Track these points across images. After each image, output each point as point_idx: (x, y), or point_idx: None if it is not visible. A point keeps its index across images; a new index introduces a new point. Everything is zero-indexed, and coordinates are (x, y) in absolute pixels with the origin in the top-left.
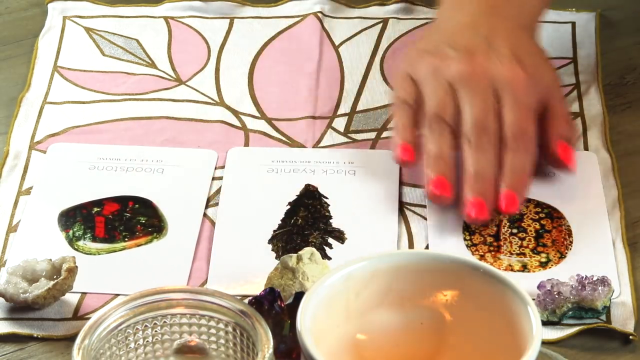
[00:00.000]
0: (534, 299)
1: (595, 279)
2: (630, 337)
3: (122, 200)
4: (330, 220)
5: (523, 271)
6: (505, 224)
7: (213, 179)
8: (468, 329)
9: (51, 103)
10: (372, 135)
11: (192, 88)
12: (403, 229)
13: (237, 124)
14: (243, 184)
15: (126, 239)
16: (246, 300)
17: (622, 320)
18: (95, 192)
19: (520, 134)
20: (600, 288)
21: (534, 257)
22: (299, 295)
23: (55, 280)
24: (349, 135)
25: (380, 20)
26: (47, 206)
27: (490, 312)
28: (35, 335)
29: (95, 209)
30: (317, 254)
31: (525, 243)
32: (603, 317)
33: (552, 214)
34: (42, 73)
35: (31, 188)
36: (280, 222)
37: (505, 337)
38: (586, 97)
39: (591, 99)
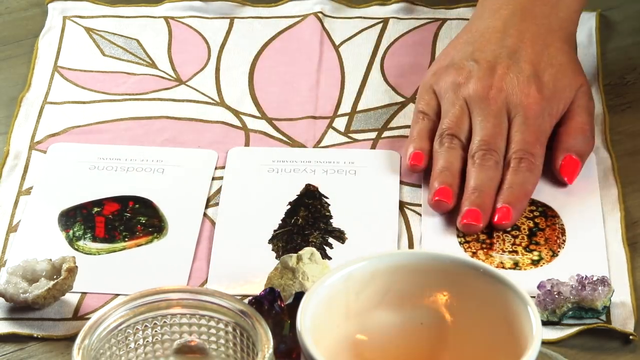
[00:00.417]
0: (533, 297)
1: (595, 279)
2: (630, 337)
3: (123, 200)
4: (331, 220)
5: (514, 269)
6: None
7: (213, 179)
8: (468, 329)
9: (51, 103)
10: (373, 135)
11: (193, 88)
12: (403, 229)
13: (238, 124)
14: (243, 184)
15: (126, 239)
16: (246, 300)
17: (622, 320)
18: (96, 192)
19: (524, 155)
20: (600, 288)
21: (526, 255)
22: (299, 295)
23: (55, 280)
24: (350, 135)
25: (380, 20)
26: (47, 206)
27: (490, 312)
28: (35, 335)
29: (96, 209)
30: (317, 254)
31: (518, 241)
32: (603, 317)
33: (547, 213)
34: (43, 73)
35: (31, 188)
36: (280, 222)
37: (505, 337)
38: None
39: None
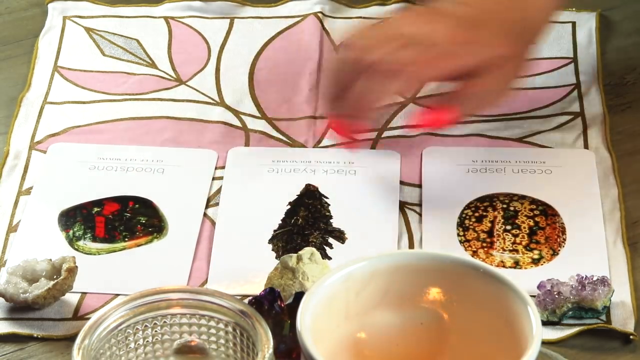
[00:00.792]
0: (533, 297)
1: (595, 279)
2: (631, 337)
3: (122, 200)
4: (331, 220)
5: (515, 268)
6: (500, 220)
7: (213, 178)
8: (468, 329)
9: (51, 103)
10: (373, 135)
11: (193, 88)
12: (403, 229)
13: (238, 124)
14: (243, 184)
15: (126, 239)
16: (246, 300)
17: (622, 320)
18: (96, 192)
19: (398, 68)
20: (600, 288)
21: (527, 253)
22: (299, 295)
23: (55, 280)
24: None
25: (380, 20)
26: (47, 206)
27: (490, 312)
28: (35, 335)
29: (96, 209)
30: (317, 254)
31: (518, 240)
32: (603, 317)
33: (547, 211)
34: (43, 73)
35: (31, 188)
36: (280, 222)
37: (505, 337)
38: (586, 97)
39: (591, 99)
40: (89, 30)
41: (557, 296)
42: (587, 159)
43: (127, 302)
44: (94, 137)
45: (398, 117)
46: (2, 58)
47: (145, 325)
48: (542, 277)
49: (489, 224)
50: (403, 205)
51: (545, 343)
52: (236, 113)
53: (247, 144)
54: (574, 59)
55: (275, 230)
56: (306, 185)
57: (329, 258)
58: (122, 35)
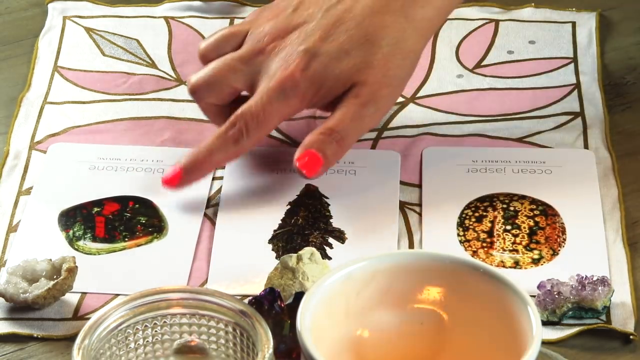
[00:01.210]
0: (533, 297)
1: (595, 279)
2: (631, 337)
3: (122, 200)
4: (331, 220)
5: (515, 268)
6: (500, 220)
7: (213, 178)
8: (468, 329)
9: (51, 103)
10: (372, 135)
11: None
12: (403, 229)
13: None
14: (243, 183)
15: (126, 239)
16: (246, 300)
17: (622, 320)
18: (96, 192)
19: (237, 124)
20: (600, 288)
21: (527, 253)
22: (299, 295)
23: (55, 280)
24: None
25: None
26: (47, 206)
27: (490, 312)
28: (35, 335)
29: (96, 209)
30: (317, 254)
31: (518, 240)
32: (603, 317)
33: (547, 211)
34: (42, 73)
35: (31, 188)
36: (280, 222)
37: (505, 337)
38: (586, 97)
39: (591, 99)
40: (89, 30)
41: (557, 296)
42: (587, 159)
43: (127, 302)
44: (94, 137)
45: (398, 117)
46: (2, 58)
47: (145, 325)
48: (542, 277)
49: (489, 224)
50: (403, 205)
51: (545, 343)
52: None
53: None
54: (574, 59)
55: (275, 230)
56: (306, 185)
57: (329, 258)
58: (122, 35)
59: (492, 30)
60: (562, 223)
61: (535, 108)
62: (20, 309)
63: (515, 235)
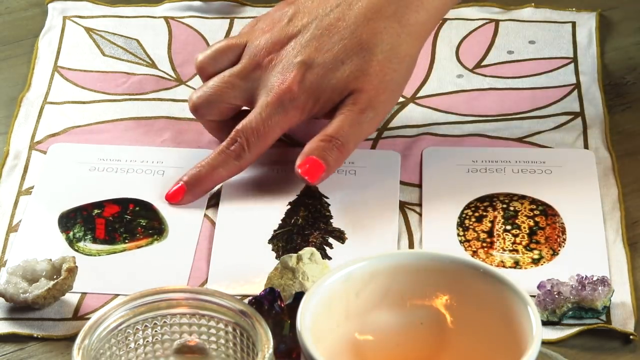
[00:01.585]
0: (533, 297)
1: (595, 279)
2: (631, 337)
3: (123, 203)
4: (331, 220)
5: (515, 268)
6: (500, 220)
7: None
8: (468, 329)
9: (51, 103)
10: (373, 135)
11: (193, 88)
12: (403, 229)
13: None
14: (243, 183)
15: (126, 241)
16: (246, 300)
17: (622, 320)
18: (96, 194)
19: (238, 139)
20: (600, 288)
21: (527, 253)
22: (299, 295)
23: (55, 281)
24: None
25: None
26: (48, 207)
27: (490, 312)
28: (35, 335)
29: (96, 211)
30: (317, 254)
31: (518, 240)
32: (603, 317)
33: (547, 211)
34: (43, 73)
35: (31, 188)
36: (280, 222)
37: (505, 337)
38: (586, 97)
39: (591, 99)
40: (89, 30)
41: (557, 296)
42: (587, 159)
43: (127, 302)
44: (94, 137)
45: (398, 117)
46: (2, 58)
47: (145, 325)
48: (542, 277)
49: (489, 224)
50: (403, 205)
51: (545, 343)
52: None
53: None
54: (574, 59)
55: (275, 230)
56: (306, 185)
57: (329, 258)
58: (122, 35)
59: (492, 30)
60: (562, 223)
61: (535, 108)
62: (20, 309)
63: (515, 235)
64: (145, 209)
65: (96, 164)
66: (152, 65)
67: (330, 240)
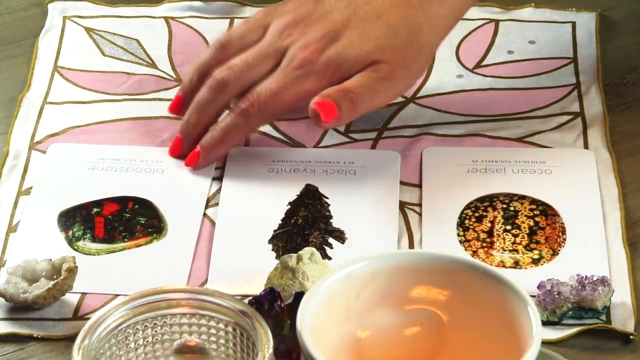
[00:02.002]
0: (533, 297)
1: (595, 279)
2: (631, 337)
3: (122, 201)
4: (331, 220)
5: (515, 268)
6: (500, 220)
7: (213, 179)
8: (468, 329)
9: (51, 103)
10: (373, 135)
11: None
12: (403, 229)
13: None
14: (243, 183)
15: (126, 240)
16: (246, 300)
17: (622, 320)
18: (95, 193)
19: (250, 101)
20: (600, 288)
21: (527, 253)
22: (299, 295)
23: (55, 281)
24: (349, 135)
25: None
26: (47, 206)
27: (490, 312)
28: (35, 335)
29: (95, 210)
30: (317, 254)
31: (518, 240)
32: (603, 317)
33: (547, 211)
34: (42, 73)
35: (31, 188)
36: (280, 222)
37: (505, 337)
38: (586, 97)
39: (591, 99)
40: (89, 30)
41: (557, 296)
42: (587, 159)
43: (127, 302)
44: (94, 137)
45: (398, 117)
46: (2, 58)
47: (145, 325)
48: (542, 277)
49: (489, 224)
50: (403, 205)
51: (545, 343)
52: None
53: (247, 144)
54: (574, 59)
55: (275, 230)
56: (306, 185)
57: (329, 258)
58: (122, 35)
59: (492, 30)
60: (562, 223)
61: (535, 108)
62: (20, 309)
63: (515, 235)
64: (144, 207)
65: (95, 163)
66: (152, 65)
67: (330, 240)
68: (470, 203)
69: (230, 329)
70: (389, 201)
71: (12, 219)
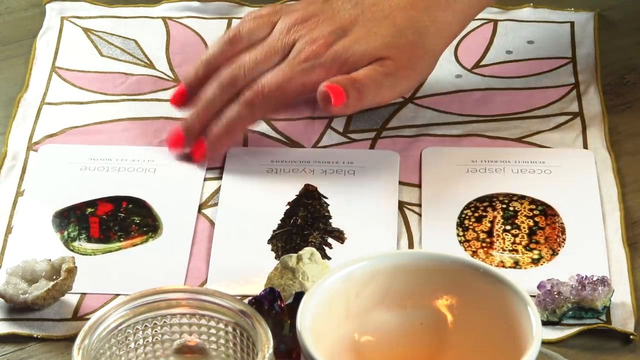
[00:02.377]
0: (533, 297)
1: (595, 279)
2: (631, 337)
3: (116, 201)
4: (330, 220)
5: (515, 268)
6: (499, 220)
7: (207, 178)
8: (468, 329)
9: (49, 104)
10: (372, 135)
11: None
12: (403, 229)
13: None
14: (242, 184)
15: (121, 239)
16: (246, 300)
17: (622, 320)
18: (88, 193)
19: (258, 93)
20: (600, 288)
21: (526, 253)
22: (299, 295)
23: (55, 281)
24: (348, 135)
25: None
26: (41, 207)
27: (490, 312)
28: (35, 335)
29: (89, 210)
30: (317, 254)
31: (518, 240)
32: (603, 317)
33: (546, 211)
34: (40, 73)
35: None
36: (279, 222)
37: (505, 337)
38: (586, 97)
39: (591, 99)
40: (86, 30)
41: (557, 296)
42: (587, 159)
43: (127, 302)
44: (92, 138)
45: (397, 117)
46: (2, 58)
47: (145, 325)
48: (542, 277)
49: (489, 224)
50: (402, 206)
51: (545, 343)
52: None
53: (245, 144)
54: (573, 59)
55: (274, 231)
56: (305, 185)
57: (329, 258)
58: (120, 36)
59: (490, 30)
60: (562, 223)
61: (534, 108)
62: (20, 309)
63: (515, 235)
64: (138, 206)
65: (87, 163)
66: (150, 65)
67: (330, 240)
68: (470, 203)
69: (230, 329)
70: (388, 201)
71: (11, 220)
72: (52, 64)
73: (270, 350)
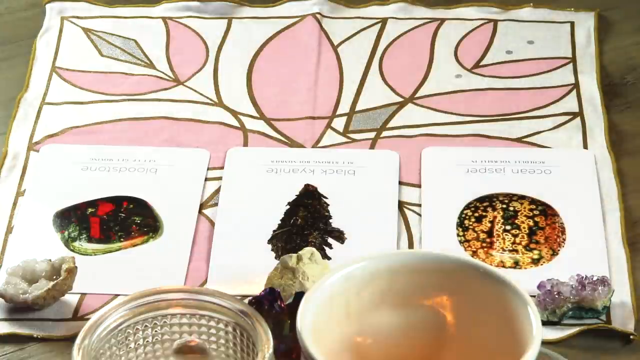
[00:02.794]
0: (532, 296)
1: (595, 279)
2: (631, 337)
3: (116, 201)
4: (330, 220)
5: (515, 268)
6: (499, 220)
7: (207, 178)
8: (468, 328)
9: (49, 104)
10: (372, 135)
11: (191, 88)
12: (403, 229)
13: (236, 124)
14: (242, 184)
15: (122, 239)
16: (246, 300)
17: (622, 320)
18: (89, 193)
19: None
20: (600, 288)
21: (527, 253)
22: (299, 295)
23: (55, 281)
24: (348, 135)
25: (379, 20)
26: (41, 207)
27: (490, 312)
28: (35, 335)
29: (90, 210)
30: (317, 254)
31: (518, 240)
32: (603, 317)
33: (547, 211)
34: (41, 73)
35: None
36: (279, 222)
37: (505, 337)
38: (585, 96)
39: (590, 99)
40: (86, 30)
41: (557, 296)
42: (587, 159)
43: (127, 302)
44: (92, 138)
45: (397, 117)
46: (2, 58)
47: (145, 325)
48: (542, 277)
49: (489, 224)
50: (402, 206)
51: (545, 343)
52: (234, 113)
53: (245, 144)
54: (573, 59)
55: (274, 231)
56: (305, 185)
57: (329, 258)
58: (120, 36)
59: (490, 30)
60: (562, 223)
61: (534, 108)
62: (20, 309)
63: (515, 235)
64: (139, 206)
65: (88, 163)
66: (150, 65)
67: (330, 240)
68: (470, 203)
69: (230, 329)
70: (388, 201)
71: (11, 220)
72: (52, 64)
73: (270, 350)
